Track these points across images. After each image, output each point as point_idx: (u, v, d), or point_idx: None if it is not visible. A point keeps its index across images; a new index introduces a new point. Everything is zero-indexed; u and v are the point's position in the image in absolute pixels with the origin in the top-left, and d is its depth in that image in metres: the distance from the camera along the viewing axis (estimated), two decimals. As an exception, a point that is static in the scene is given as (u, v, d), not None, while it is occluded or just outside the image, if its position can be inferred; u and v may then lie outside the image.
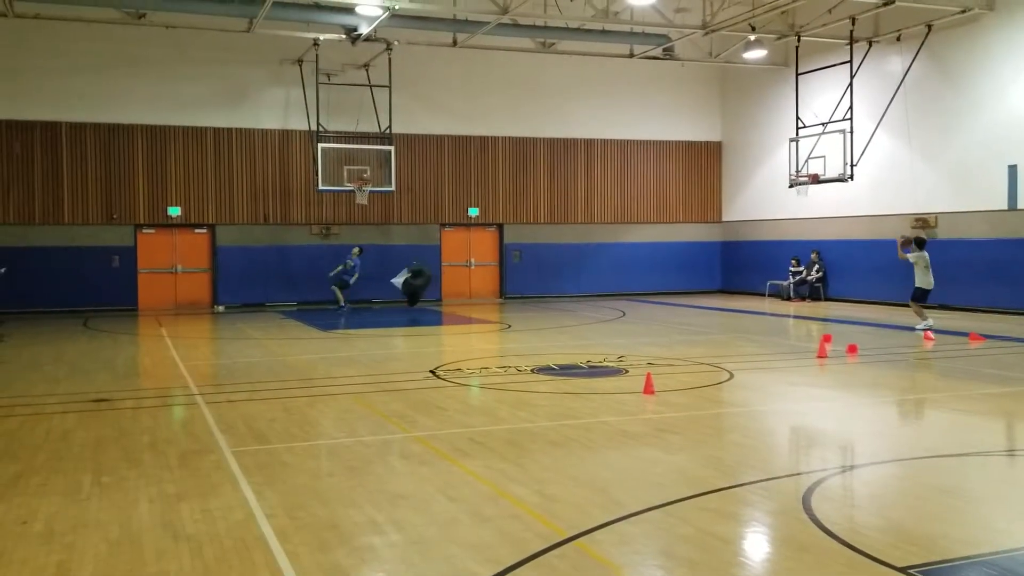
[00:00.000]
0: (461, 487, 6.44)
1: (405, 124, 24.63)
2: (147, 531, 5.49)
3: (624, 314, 21.46)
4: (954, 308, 20.70)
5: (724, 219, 28.78)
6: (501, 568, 4.77)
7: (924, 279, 17.14)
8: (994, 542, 5.28)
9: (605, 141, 27.41)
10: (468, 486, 6.48)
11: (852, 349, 13.90)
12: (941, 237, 21.38)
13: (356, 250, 23.23)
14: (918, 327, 16.70)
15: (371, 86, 23.85)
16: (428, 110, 25.45)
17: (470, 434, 8.19)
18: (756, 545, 5.39)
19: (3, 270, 18.58)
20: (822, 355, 13.25)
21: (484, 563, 4.85)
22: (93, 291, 22.90)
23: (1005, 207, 19.74)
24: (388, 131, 23.80)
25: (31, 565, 4.91)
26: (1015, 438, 8.67)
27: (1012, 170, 19.52)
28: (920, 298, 17.34)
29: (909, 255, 17.34)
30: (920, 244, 17.53)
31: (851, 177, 22.44)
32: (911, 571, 4.69)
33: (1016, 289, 19.42)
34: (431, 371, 12.13)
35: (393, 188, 23.86)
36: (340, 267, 22.99)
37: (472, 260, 26.80)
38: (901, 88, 21.95)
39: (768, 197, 26.68)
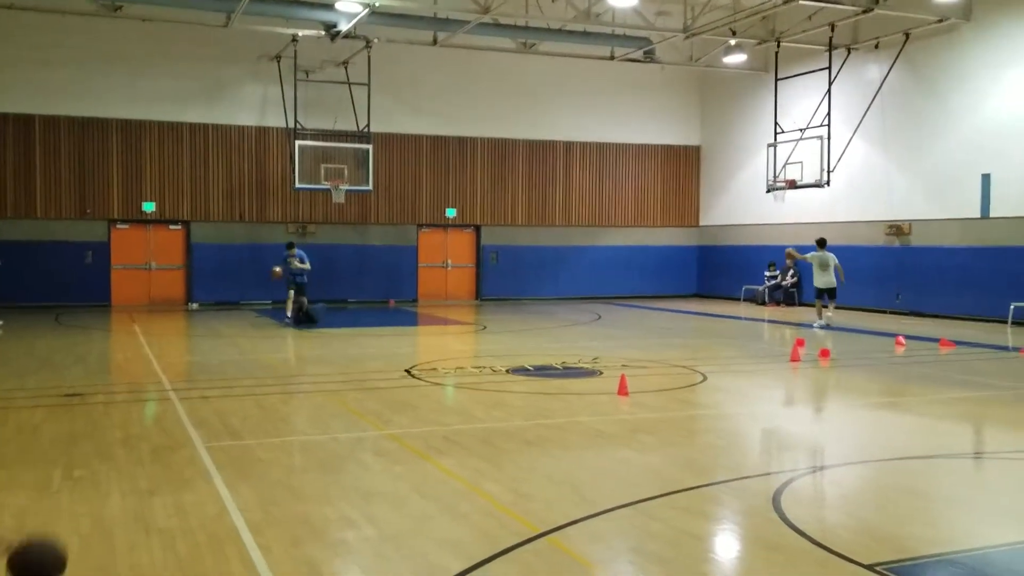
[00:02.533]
0: (435, 484, 6.45)
1: (384, 123, 24.57)
2: (119, 525, 5.46)
3: (600, 317, 21.53)
4: (926, 315, 20.94)
5: (702, 223, 28.93)
6: (473, 563, 4.79)
7: (818, 278, 18.64)
8: (960, 541, 5.36)
9: (584, 144, 27.48)
10: (442, 483, 6.49)
11: (824, 353, 14.03)
12: (914, 244, 21.63)
13: (292, 248, 18.96)
14: (814, 325, 18.36)
15: (350, 84, 23.77)
16: (407, 109, 25.41)
17: (444, 432, 8.19)
18: (726, 543, 5.44)
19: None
20: (795, 359, 13.37)
21: (457, 558, 4.86)
22: (66, 286, 22.67)
23: (978, 215, 19.99)
24: (366, 130, 23.73)
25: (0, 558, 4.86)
26: (982, 441, 8.80)
27: (986, 179, 19.78)
28: (819, 296, 18.80)
29: (808, 255, 18.91)
30: (821, 244, 18.99)
31: (827, 183, 22.66)
32: (879, 568, 4.75)
33: (987, 297, 19.66)
34: (406, 370, 12.12)
35: (371, 188, 23.78)
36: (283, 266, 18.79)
37: (449, 261, 26.77)
38: (878, 95, 22.19)
39: (745, 202, 26.87)
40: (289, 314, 18.63)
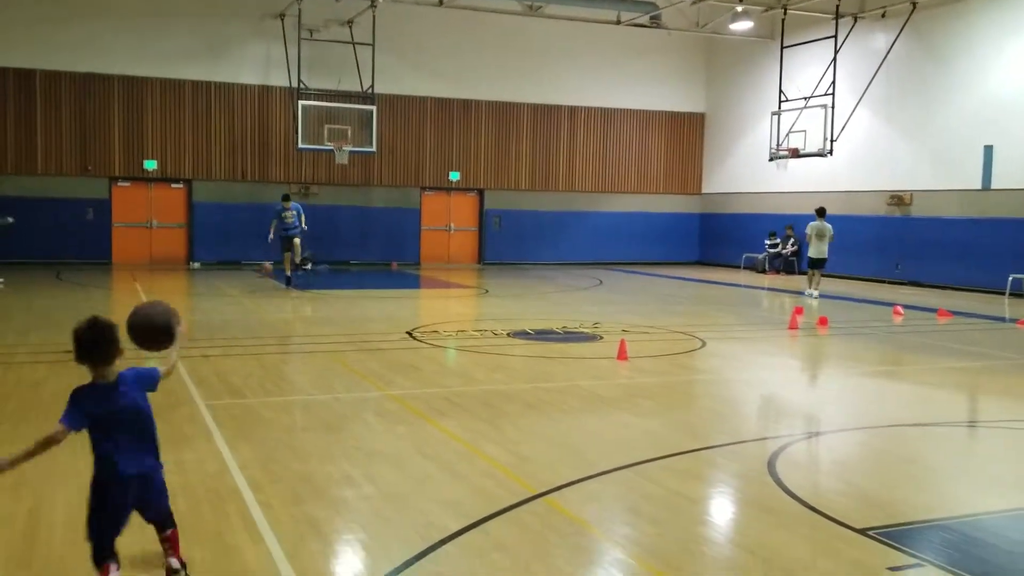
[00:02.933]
0: (436, 445, 6.52)
1: (388, 84, 24.43)
2: (121, 479, 5.51)
3: (601, 282, 21.57)
4: (925, 285, 20.98)
5: (704, 191, 28.87)
6: (472, 521, 4.86)
7: (814, 248, 18.45)
8: (952, 508, 5.44)
9: (589, 109, 27.34)
10: (443, 444, 6.56)
11: (823, 322, 14.08)
12: (915, 215, 21.60)
13: (287, 202, 18.38)
14: (805, 293, 18.35)
15: (354, 44, 23.61)
16: (412, 71, 25.25)
17: (446, 394, 8.26)
18: (721, 505, 5.51)
19: (10, 220, 18.30)
20: (793, 327, 13.42)
21: (456, 517, 4.93)
22: (67, 243, 22.70)
23: (979, 187, 19.95)
24: (370, 91, 23.61)
25: (1, 513, 4.93)
26: (977, 410, 8.86)
27: (988, 150, 19.71)
28: (810, 266, 18.66)
29: (811, 224, 18.65)
30: (820, 213, 18.74)
31: (831, 152, 22.59)
32: (871, 533, 4.82)
33: (986, 268, 19.68)
34: (408, 332, 12.17)
35: (374, 149, 23.71)
36: (274, 222, 18.19)
37: (452, 225, 26.76)
38: (884, 65, 22.04)
39: (748, 170, 26.79)
40: (288, 273, 17.91)
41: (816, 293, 18.18)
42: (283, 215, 17.99)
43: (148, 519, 4.01)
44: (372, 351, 10.69)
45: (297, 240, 18.03)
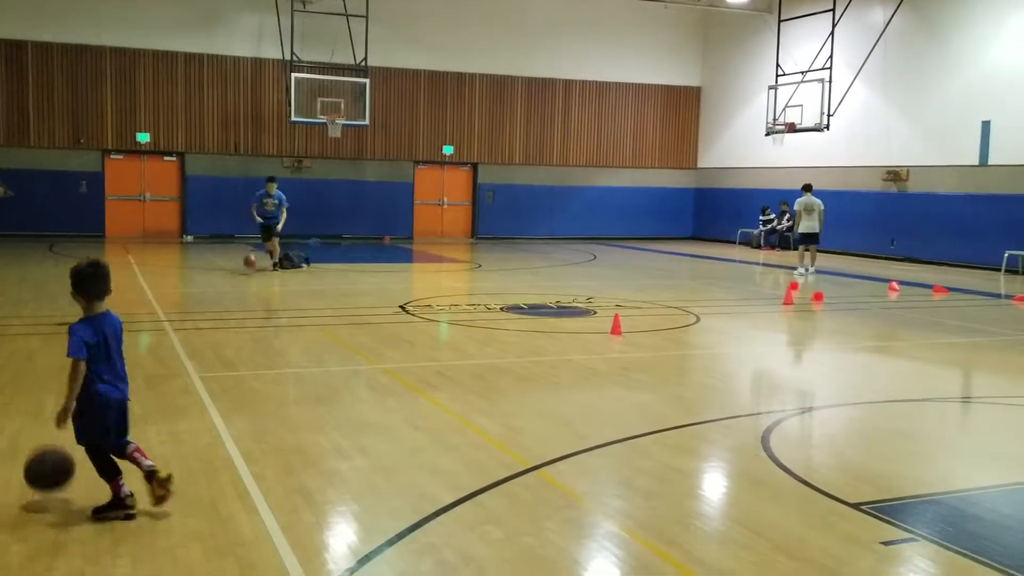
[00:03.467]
0: (427, 417, 6.51)
1: (381, 57, 24.24)
2: (112, 451, 5.49)
3: (595, 257, 21.53)
4: (920, 261, 20.98)
5: (699, 165, 28.77)
6: (465, 493, 4.85)
7: (802, 223, 18.21)
8: (945, 482, 5.45)
9: (584, 82, 27.17)
10: (434, 416, 6.54)
11: (817, 297, 14.08)
12: (912, 190, 21.57)
13: (271, 185, 16.83)
14: (796, 270, 18.07)
15: (347, 15, 23.38)
16: (405, 43, 25.03)
17: (438, 367, 8.24)
18: (713, 479, 5.51)
19: (11, 193, 18.11)
20: (788, 302, 13.42)
21: (448, 489, 4.92)
22: (59, 216, 22.55)
23: (976, 162, 19.90)
24: (364, 63, 23.42)
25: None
26: (971, 386, 8.88)
27: (985, 126, 19.65)
28: (801, 242, 18.40)
29: (797, 201, 18.41)
30: (806, 189, 18.46)
31: (827, 127, 22.52)
32: (863, 507, 4.83)
33: (982, 244, 19.69)
34: (400, 306, 12.14)
35: (367, 122, 23.55)
36: (255, 206, 16.80)
37: (445, 199, 26.65)
38: (881, 39, 21.91)
39: (744, 145, 26.70)
40: (275, 259, 16.61)
41: (812, 269, 18.07)
42: (264, 201, 16.60)
43: (122, 440, 4.61)
44: (364, 325, 10.66)
45: (276, 233, 16.53)
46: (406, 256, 21.65)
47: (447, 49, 25.51)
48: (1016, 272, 18.76)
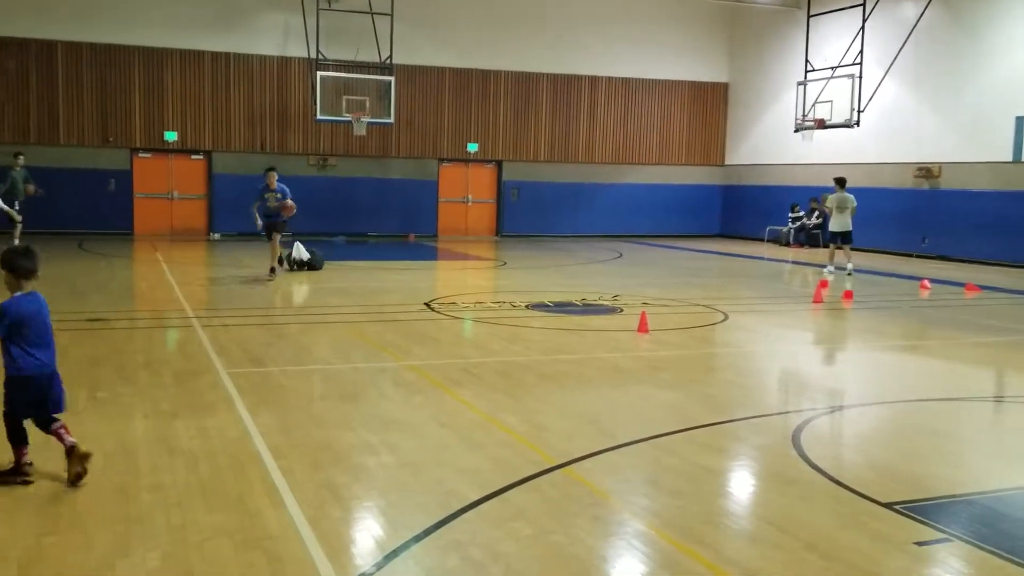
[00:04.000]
0: (453, 414, 6.49)
1: (406, 55, 24.25)
2: (142, 445, 5.54)
3: (621, 255, 21.44)
4: (952, 259, 20.70)
5: (727, 162, 28.56)
6: (491, 491, 4.83)
7: (834, 221, 17.55)
8: (978, 482, 5.35)
9: (610, 79, 27.05)
10: (460, 414, 6.53)
11: (848, 295, 13.93)
12: (944, 187, 21.29)
13: (271, 175, 14.77)
14: (826, 268, 17.45)
15: (372, 14, 23.41)
16: (430, 41, 25.04)
17: (463, 365, 8.22)
18: (742, 477, 5.45)
19: (41, 192, 18.34)
20: (818, 300, 13.28)
21: (474, 486, 4.90)
22: (88, 214, 22.76)
23: (1010, 159, 19.61)
24: (388, 61, 23.46)
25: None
26: (1004, 385, 8.74)
27: (1020, 121, 19.36)
28: (833, 240, 17.73)
29: (829, 197, 17.74)
30: (840, 184, 17.69)
31: (857, 123, 22.27)
32: (896, 507, 4.75)
33: (1016, 242, 19.38)
34: (425, 304, 12.14)
35: (392, 120, 23.59)
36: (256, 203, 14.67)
37: (470, 197, 26.64)
38: (912, 34, 21.62)
39: (772, 142, 26.47)
40: (275, 265, 14.76)
41: (850, 267, 17.14)
42: (265, 196, 14.55)
43: (47, 414, 4.88)
44: (389, 322, 10.67)
45: (277, 233, 14.69)
46: (431, 254, 21.67)
47: (472, 46, 25.50)
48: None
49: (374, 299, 12.71)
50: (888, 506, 4.77)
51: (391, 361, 8.38)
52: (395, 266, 18.10)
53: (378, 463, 5.33)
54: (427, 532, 4.27)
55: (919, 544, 4.30)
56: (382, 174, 25.26)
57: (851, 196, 17.58)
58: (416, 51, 24.64)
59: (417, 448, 5.64)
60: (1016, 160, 19.48)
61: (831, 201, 17.75)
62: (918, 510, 4.72)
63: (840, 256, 17.57)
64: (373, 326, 10.37)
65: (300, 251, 16.09)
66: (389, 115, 23.32)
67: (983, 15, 20.22)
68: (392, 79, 23.30)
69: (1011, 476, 5.50)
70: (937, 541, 4.35)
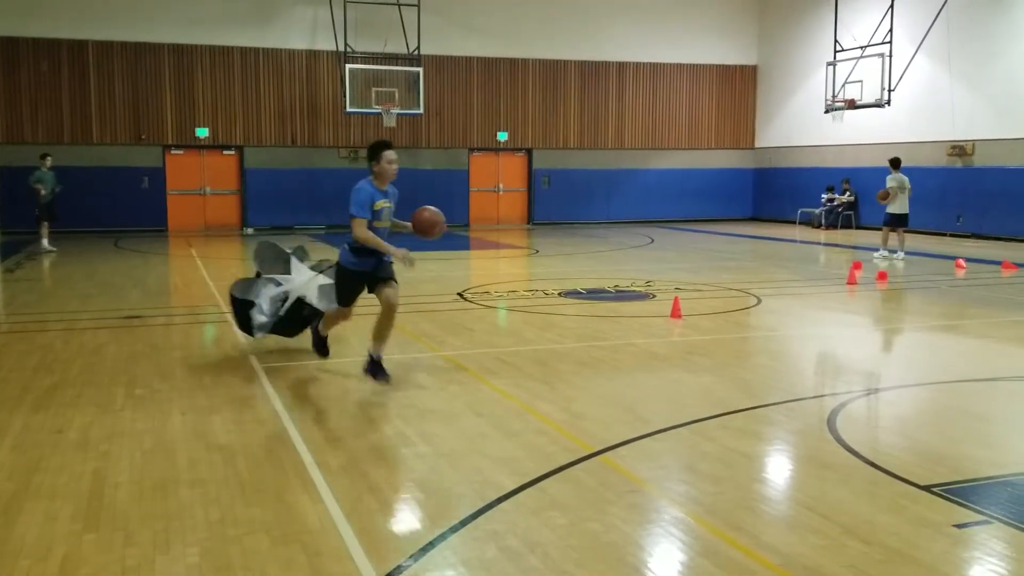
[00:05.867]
0: (489, 403, 6.51)
1: (434, 45, 24.27)
2: (180, 441, 5.62)
3: (653, 240, 21.35)
4: (988, 237, 20.39)
5: (757, 145, 28.31)
6: (528, 479, 4.84)
7: (894, 204, 16.63)
8: (1018, 463, 5.28)
9: (638, 64, 26.89)
10: (496, 403, 6.55)
11: (882, 276, 13.77)
12: (978, 164, 20.95)
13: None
14: (876, 254, 16.71)
15: (400, 5, 23.45)
16: (458, 31, 25.03)
17: (498, 354, 8.25)
18: (779, 462, 5.42)
19: (59, 188, 18.59)
20: (852, 282, 13.14)
21: (511, 475, 4.92)
22: (123, 212, 23.08)
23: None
24: (416, 52, 23.48)
25: (68, 472, 5.04)
26: (1045, 365, 8.59)
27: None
28: (891, 223, 16.81)
29: (888, 178, 16.81)
30: (895, 165, 16.98)
31: (888, 103, 21.96)
32: (935, 489, 4.71)
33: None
34: (459, 294, 12.18)
35: (421, 111, 23.64)
36: None
37: (500, 185, 26.65)
38: (943, 10, 21.25)
39: (802, 123, 26.19)
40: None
41: (902, 253, 16.57)
42: None
43: None
44: (424, 312, 10.72)
45: None
46: (463, 243, 21.71)
47: (499, 35, 25.45)
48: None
49: (408, 289, 12.67)
50: (926, 488, 4.72)
51: (426, 351, 8.42)
52: (427, 255, 18.11)
53: (414, 454, 5.37)
54: (464, 523, 4.30)
55: (958, 527, 4.26)
56: (413, 164, 25.29)
57: (906, 177, 16.88)
58: (444, 41, 24.65)
59: (453, 438, 5.67)
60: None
61: (895, 181, 16.75)
62: (957, 492, 4.68)
63: (894, 239, 16.87)
64: (407, 316, 10.41)
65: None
66: (418, 106, 23.37)
67: (1018, -13, 19.83)
68: (420, 70, 23.33)
69: (1054, 457, 5.42)
70: (976, 523, 4.30)
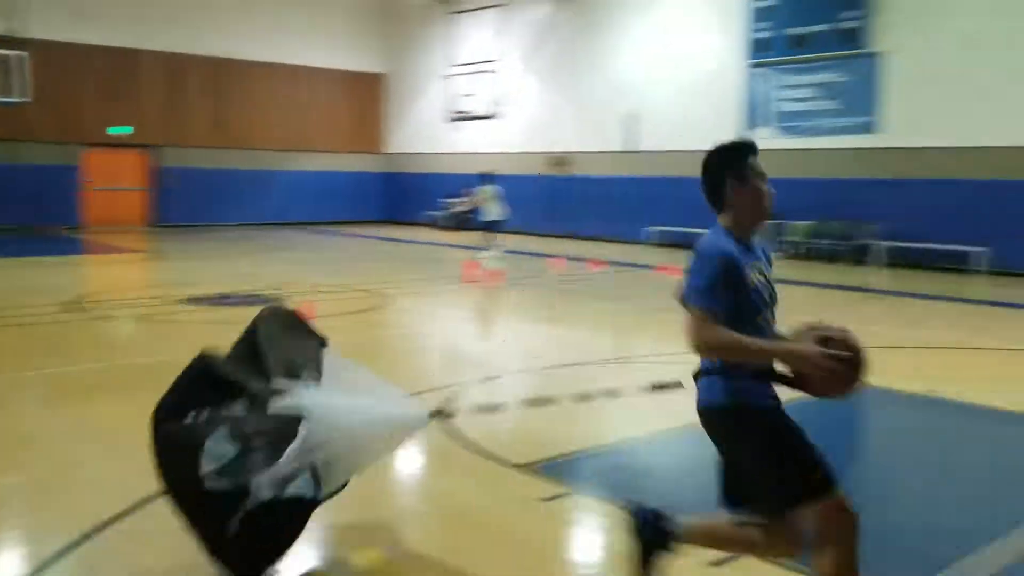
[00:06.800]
0: (95, 425, 6.14)
1: (43, 28, 21.90)
2: None
3: (288, 243, 21.17)
4: (581, 238, 22.76)
5: (388, 151, 29.15)
6: (135, 501, 4.69)
7: (494, 210, 17.71)
8: (598, 437, 6.06)
9: (271, 64, 26.41)
10: (103, 424, 6.19)
11: (493, 275, 14.94)
12: (577, 173, 23.41)
13: None
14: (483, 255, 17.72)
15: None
16: (70, 15, 22.79)
17: (105, 368, 7.78)
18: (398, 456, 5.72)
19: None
20: (468, 280, 14.13)
21: (116, 499, 4.72)
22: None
23: (625, 148, 21.98)
24: (17, 34, 21.04)
25: None
26: (620, 349, 9.80)
27: (630, 116, 21.69)
28: (487, 228, 17.90)
29: (487, 188, 17.97)
30: (489, 178, 18.21)
31: (498, 115, 23.97)
32: (531, 467, 5.26)
33: (631, 221, 21.75)
34: (68, 303, 11.23)
35: (21, 98, 21.18)
36: None
37: (120, 184, 24.78)
38: (543, 33, 23.56)
39: (428, 131, 27.47)
40: None
41: (497, 252, 17.32)
42: None
43: None
44: (20, 326, 9.77)
45: None
46: (75, 247, 19.97)
47: (119, 22, 23.58)
48: (656, 244, 20.85)
49: (2, 300, 11.52)
50: (525, 467, 5.26)
51: (24, 371, 7.71)
52: (32, 261, 16.45)
53: (4, 485, 4.95)
54: (60, 554, 4.06)
55: (545, 500, 4.80)
56: (13, 159, 22.68)
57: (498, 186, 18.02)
58: (54, 25, 22.33)
59: (49, 465, 5.29)
60: (629, 150, 21.85)
61: (491, 192, 17.77)
62: (548, 468, 5.26)
63: (494, 240, 17.95)
64: (2, 332, 9.44)
65: None
66: (22, 93, 20.97)
67: (598, 16, 22.50)
68: (25, 54, 20.94)
69: (628, 428, 6.30)
70: (561, 496, 4.87)
